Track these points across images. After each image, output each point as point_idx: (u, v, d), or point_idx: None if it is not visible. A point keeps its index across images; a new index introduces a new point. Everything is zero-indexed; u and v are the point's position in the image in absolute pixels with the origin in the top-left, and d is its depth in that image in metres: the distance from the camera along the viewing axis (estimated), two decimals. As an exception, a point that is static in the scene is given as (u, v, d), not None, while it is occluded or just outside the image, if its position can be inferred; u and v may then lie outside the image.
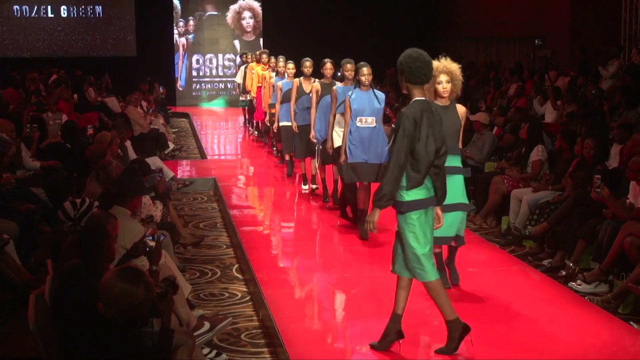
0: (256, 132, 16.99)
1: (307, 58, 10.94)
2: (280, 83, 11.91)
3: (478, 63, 20.41)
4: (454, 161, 6.59)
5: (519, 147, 10.25)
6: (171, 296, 4.50)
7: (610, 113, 11.63)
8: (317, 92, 10.06)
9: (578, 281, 7.40)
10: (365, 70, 8.47)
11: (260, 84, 15.23)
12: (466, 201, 6.87)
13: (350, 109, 8.43)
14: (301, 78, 11.04)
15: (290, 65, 11.89)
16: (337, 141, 8.95)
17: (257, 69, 15.72)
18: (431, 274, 5.31)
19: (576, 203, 8.12)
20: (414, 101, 5.33)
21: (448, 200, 5.77)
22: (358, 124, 8.38)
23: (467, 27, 22.35)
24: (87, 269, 4.77)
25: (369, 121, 8.40)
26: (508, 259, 8.18)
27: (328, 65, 10.04)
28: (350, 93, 8.51)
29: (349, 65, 9.12)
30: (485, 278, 7.25)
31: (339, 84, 9.32)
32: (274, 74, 13.67)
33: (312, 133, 10.05)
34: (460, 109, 6.85)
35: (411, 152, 5.17)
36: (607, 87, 13.33)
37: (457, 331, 5.40)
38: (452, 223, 6.63)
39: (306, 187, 11.15)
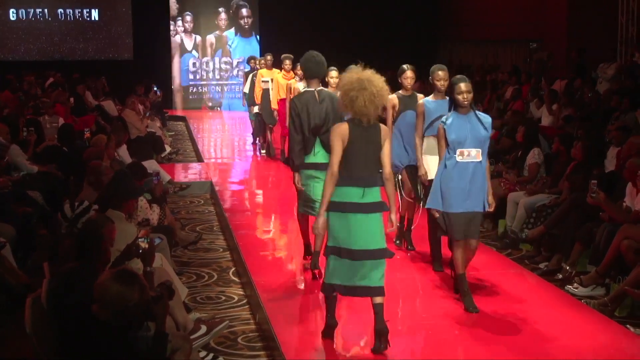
0: (263, 152, 15.19)
1: (333, 67, 9.13)
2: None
3: (475, 65, 20.44)
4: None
5: (516, 151, 10.27)
6: (166, 300, 4.50)
7: (608, 116, 11.66)
8: (393, 107, 7.93)
9: (575, 284, 7.41)
10: (464, 86, 6.37)
11: (284, 97, 12.70)
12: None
13: (447, 140, 6.38)
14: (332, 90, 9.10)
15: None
16: (431, 172, 7.08)
17: (277, 77, 13.68)
18: (301, 211, 7.41)
19: (573, 206, 8.13)
20: (304, 90, 7.39)
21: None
22: (459, 158, 6.33)
23: (465, 29, 22.36)
24: (83, 272, 4.77)
25: (472, 154, 6.34)
26: (505, 262, 8.19)
27: (409, 74, 7.90)
28: (444, 118, 6.48)
29: (440, 73, 7.27)
30: (482, 281, 7.24)
31: (428, 98, 7.45)
32: (301, 84, 11.37)
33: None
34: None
35: (301, 128, 7.05)
36: (604, 90, 13.37)
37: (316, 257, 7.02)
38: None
39: None
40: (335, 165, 5.53)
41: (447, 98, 6.92)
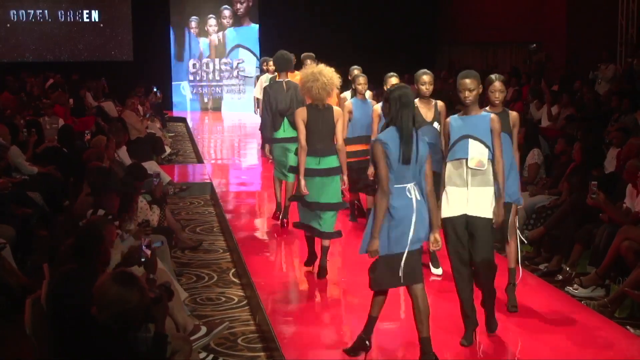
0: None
1: (425, 70, 7.45)
2: (377, 107, 8.19)
3: (475, 68, 20.41)
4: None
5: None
6: (166, 301, 4.50)
7: (608, 117, 11.67)
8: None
9: (575, 285, 7.40)
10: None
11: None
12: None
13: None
14: (416, 100, 7.19)
15: (394, 80, 8.30)
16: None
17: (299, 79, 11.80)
18: (276, 175, 9.42)
19: (573, 207, 8.13)
20: (275, 81, 9.22)
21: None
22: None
23: (464, 32, 22.37)
24: (83, 273, 4.76)
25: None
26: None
27: (498, 86, 6.33)
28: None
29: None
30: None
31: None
32: (347, 93, 9.70)
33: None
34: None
35: (270, 110, 8.83)
36: (604, 92, 13.36)
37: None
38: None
39: None
40: (302, 140, 7.14)
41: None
